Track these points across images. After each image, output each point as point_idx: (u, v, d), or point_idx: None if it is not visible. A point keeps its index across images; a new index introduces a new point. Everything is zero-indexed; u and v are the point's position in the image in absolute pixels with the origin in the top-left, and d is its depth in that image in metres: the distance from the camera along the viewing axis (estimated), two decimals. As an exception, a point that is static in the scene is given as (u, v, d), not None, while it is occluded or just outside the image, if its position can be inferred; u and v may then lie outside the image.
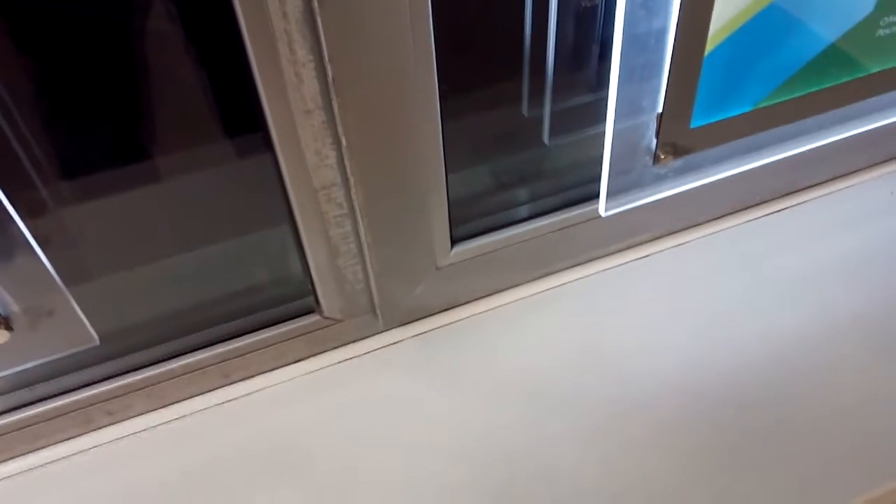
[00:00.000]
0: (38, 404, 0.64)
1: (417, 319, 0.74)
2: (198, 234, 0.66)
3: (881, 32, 0.64)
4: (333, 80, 0.52)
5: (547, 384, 0.68)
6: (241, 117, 0.59)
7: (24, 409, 0.64)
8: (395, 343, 0.72)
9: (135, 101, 0.57)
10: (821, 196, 0.84)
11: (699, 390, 0.67)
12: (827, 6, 0.60)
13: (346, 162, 0.58)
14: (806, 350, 0.69)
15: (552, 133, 0.72)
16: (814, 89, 0.65)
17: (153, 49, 0.55)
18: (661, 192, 0.67)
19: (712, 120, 0.63)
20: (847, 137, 0.75)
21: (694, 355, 0.69)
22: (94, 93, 0.55)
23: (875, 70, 0.67)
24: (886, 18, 0.63)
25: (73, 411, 0.66)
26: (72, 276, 0.56)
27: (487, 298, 0.75)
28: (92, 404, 0.66)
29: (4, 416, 0.63)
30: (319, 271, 0.66)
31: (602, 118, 0.71)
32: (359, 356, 0.72)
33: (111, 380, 0.66)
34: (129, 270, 0.66)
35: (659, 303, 0.74)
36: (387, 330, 0.73)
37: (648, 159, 0.63)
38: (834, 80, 0.65)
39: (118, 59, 0.54)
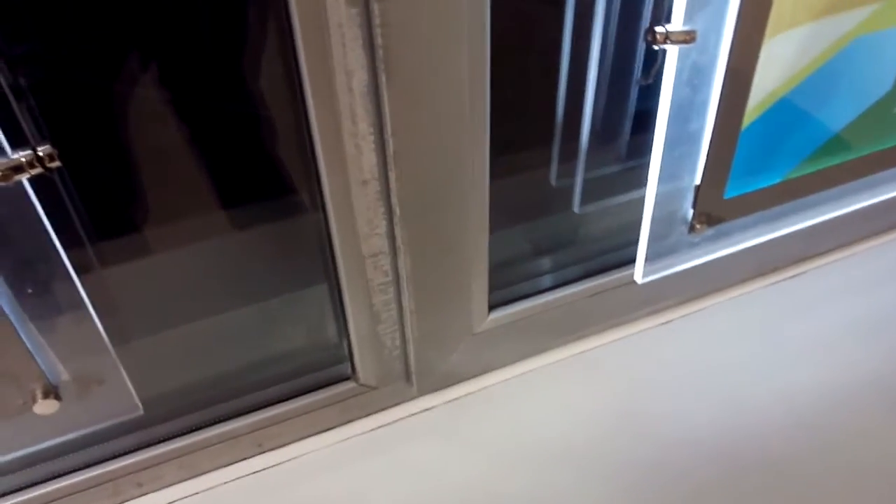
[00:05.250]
0: (69, 476, 0.63)
1: (450, 385, 0.74)
2: (236, 300, 0.66)
3: (897, 110, 0.68)
4: (395, 152, 0.53)
5: (580, 448, 0.68)
6: (297, 186, 0.60)
7: (55, 480, 0.62)
8: (427, 409, 0.72)
9: (193, 164, 0.57)
10: (832, 262, 0.86)
11: (727, 451, 0.67)
12: (849, 85, 0.64)
13: (397, 231, 0.59)
14: (826, 410, 0.71)
15: (582, 202, 0.74)
16: (836, 162, 0.68)
17: (210, 117, 0.56)
18: (694, 259, 0.69)
19: (745, 191, 0.65)
20: (857, 209, 0.79)
21: (721, 417, 0.70)
22: (166, 152, 0.55)
23: (892, 144, 0.70)
24: (901, 97, 0.67)
25: (102, 483, 0.64)
26: (113, 342, 0.55)
27: (519, 363, 0.75)
28: (122, 475, 0.64)
29: (36, 487, 0.61)
30: (359, 337, 0.66)
31: (628, 188, 0.73)
32: (392, 423, 0.71)
33: (142, 450, 0.65)
34: (163, 337, 0.65)
35: (686, 365, 0.75)
36: (420, 396, 0.73)
37: (684, 228, 0.65)
38: (855, 153, 0.68)
39: (181, 130, 0.55)
